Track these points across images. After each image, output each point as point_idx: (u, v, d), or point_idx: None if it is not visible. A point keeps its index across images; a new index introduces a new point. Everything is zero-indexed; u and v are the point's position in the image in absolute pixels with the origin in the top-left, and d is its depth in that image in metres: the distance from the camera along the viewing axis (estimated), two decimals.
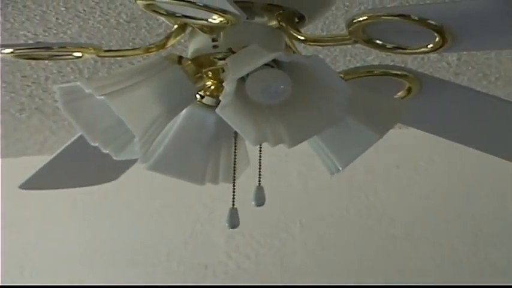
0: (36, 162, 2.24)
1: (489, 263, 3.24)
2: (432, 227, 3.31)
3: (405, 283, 3.27)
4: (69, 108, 1.65)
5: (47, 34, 2.51)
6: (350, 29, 1.60)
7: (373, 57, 2.66)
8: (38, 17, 2.42)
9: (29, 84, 2.97)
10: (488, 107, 1.90)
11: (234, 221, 1.77)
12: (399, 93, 1.84)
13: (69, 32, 2.51)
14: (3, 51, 1.73)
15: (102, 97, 1.55)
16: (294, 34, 1.73)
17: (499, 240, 3.24)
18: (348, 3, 2.32)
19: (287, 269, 3.44)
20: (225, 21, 1.56)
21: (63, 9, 2.38)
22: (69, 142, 2.12)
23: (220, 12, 1.53)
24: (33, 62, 2.68)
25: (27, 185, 2.32)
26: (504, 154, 2.07)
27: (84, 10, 2.39)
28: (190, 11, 1.56)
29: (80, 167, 2.24)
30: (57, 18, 2.43)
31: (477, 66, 2.80)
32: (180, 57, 1.69)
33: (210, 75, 1.71)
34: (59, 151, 2.17)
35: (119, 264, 3.63)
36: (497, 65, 2.79)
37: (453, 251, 3.28)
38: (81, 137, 1.97)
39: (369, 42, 1.63)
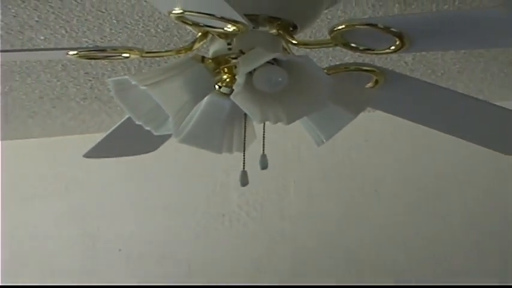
0: (95, 138, 2.24)
1: (437, 213, 3.23)
2: (394, 184, 3.30)
3: (371, 225, 3.27)
4: (119, 96, 1.65)
5: (102, 41, 2.50)
6: (331, 35, 1.59)
7: (349, 57, 2.65)
8: (96, 28, 2.41)
9: (90, 78, 2.95)
10: (436, 94, 1.89)
11: (244, 180, 1.77)
12: (368, 84, 1.83)
13: (119, 39, 2.49)
14: (70, 53, 1.73)
15: (145, 87, 1.55)
16: (289, 39, 1.72)
17: (448, 195, 3.23)
18: (329, 17, 2.30)
19: (285, 217, 3.43)
20: (236, 30, 1.56)
21: (115, 21, 2.37)
22: (120, 122, 2.11)
23: (233, 22, 1.53)
24: (92, 61, 2.66)
25: (89, 154, 2.32)
26: (447, 130, 2.07)
27: (131, 22, 2.38)
28: (211, 21, 1.56)
29: (128, 140, 2.23)
30: (110, 29, 2.42)
31: (427, 64, 2.78)
32: (203, 57, 1.68)
33: (225, 71, 1.70)
34: (112, 129, 2.16)
35: (158, 214, 3.63)
36: (443, 64, 2.78)
37: (410, 204, 3.27)
38: (129, 118, 1.96)
39: (346, 45, 1.62)
